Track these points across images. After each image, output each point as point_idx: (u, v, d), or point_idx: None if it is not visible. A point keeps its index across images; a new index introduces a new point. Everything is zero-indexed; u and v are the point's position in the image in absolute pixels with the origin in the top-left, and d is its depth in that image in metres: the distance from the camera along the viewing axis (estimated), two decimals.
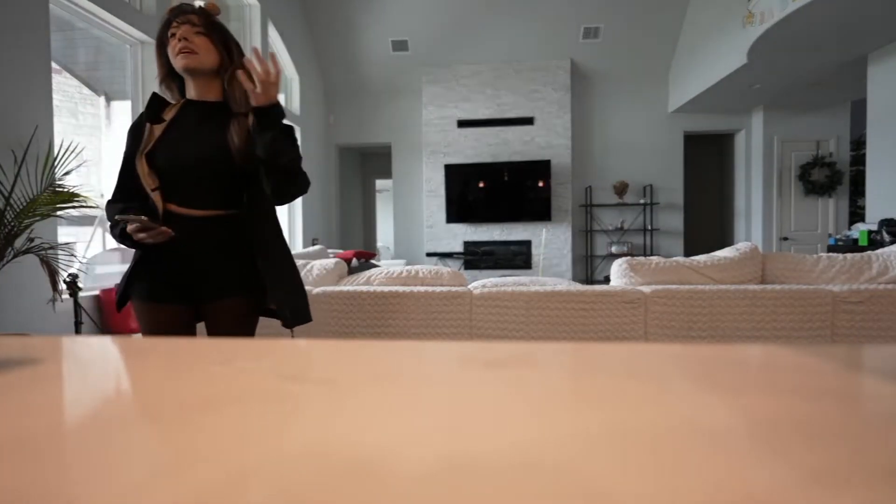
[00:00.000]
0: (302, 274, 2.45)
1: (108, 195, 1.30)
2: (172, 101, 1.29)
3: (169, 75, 1.27)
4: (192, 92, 1.25)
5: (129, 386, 0.36)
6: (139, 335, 1.71)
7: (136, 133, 1.24)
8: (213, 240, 1.22)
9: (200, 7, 1.21)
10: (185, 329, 1.28)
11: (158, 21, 1.26)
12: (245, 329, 1.27)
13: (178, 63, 1.20)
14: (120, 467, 0.21)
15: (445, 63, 6.84)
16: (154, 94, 1.26)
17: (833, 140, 6.46)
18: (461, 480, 0.19)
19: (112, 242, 3.71)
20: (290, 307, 1.24)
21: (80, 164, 2.60)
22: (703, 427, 0.24)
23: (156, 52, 1.26)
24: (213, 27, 1.21)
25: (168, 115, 1.24)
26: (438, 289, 2.26)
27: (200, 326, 1.35)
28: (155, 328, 1.25)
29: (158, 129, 1.22)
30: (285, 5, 5.93)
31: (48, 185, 2.36)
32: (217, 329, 1.25)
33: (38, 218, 2.26)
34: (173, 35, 1.20)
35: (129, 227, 1.12)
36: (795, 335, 2.11)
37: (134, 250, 1.25)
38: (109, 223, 1.20)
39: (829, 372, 0.34)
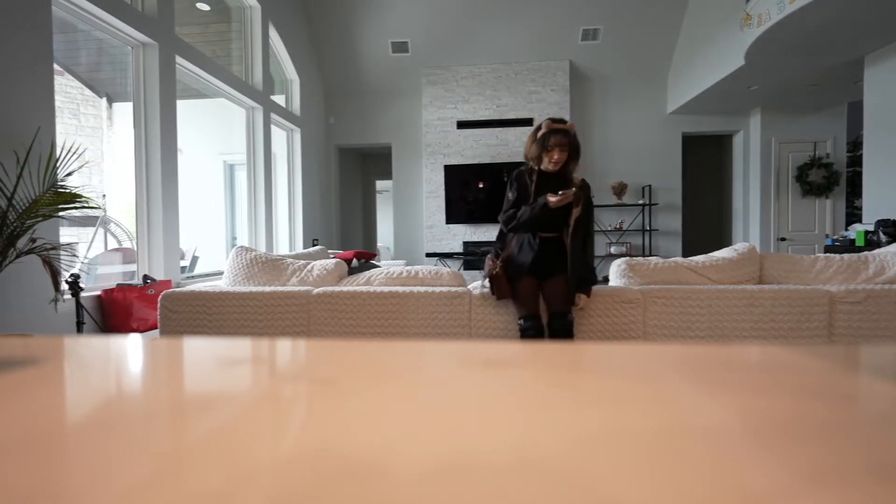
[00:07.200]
0: (302, 274, 2.45)
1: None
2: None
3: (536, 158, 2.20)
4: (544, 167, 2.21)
5: (131, 386, 0.36)
6: (139, 335, 1.71)
7: (521, 182, 2.23)
8: (553, 246, 2.18)
9: (565, 129, 2.12)
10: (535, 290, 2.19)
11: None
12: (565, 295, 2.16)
13: (549, 166, 2.15)
14: (121, 468, 0.21)
15: (445, 64, 6.85)
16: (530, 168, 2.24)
17: (830, 141, 6.46)
18: (460, 480, 0.19)
19: (112, 243, 3.71)
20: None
21: (82, 166, 2.60)
22: (702, 427, 0.25)
23: (536, 143, 2.17)
24: (572, 147, 2.14)
25: (534, 177, 2.21)
26: (438, 289, 2.26)
27: None
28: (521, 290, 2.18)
29: (532, 186, 2.19)
30: (286, 7, 5.93)
31: (50, 185, 2.36)
32: (551, 292, 2.16)
33: (40, 219, 2.26)
34: (550, 147, 2.11)
35: (556, 199, 2.05)
36: (793, 335, 2.11)
37: None
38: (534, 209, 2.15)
39: (826, 371, 0.35)
